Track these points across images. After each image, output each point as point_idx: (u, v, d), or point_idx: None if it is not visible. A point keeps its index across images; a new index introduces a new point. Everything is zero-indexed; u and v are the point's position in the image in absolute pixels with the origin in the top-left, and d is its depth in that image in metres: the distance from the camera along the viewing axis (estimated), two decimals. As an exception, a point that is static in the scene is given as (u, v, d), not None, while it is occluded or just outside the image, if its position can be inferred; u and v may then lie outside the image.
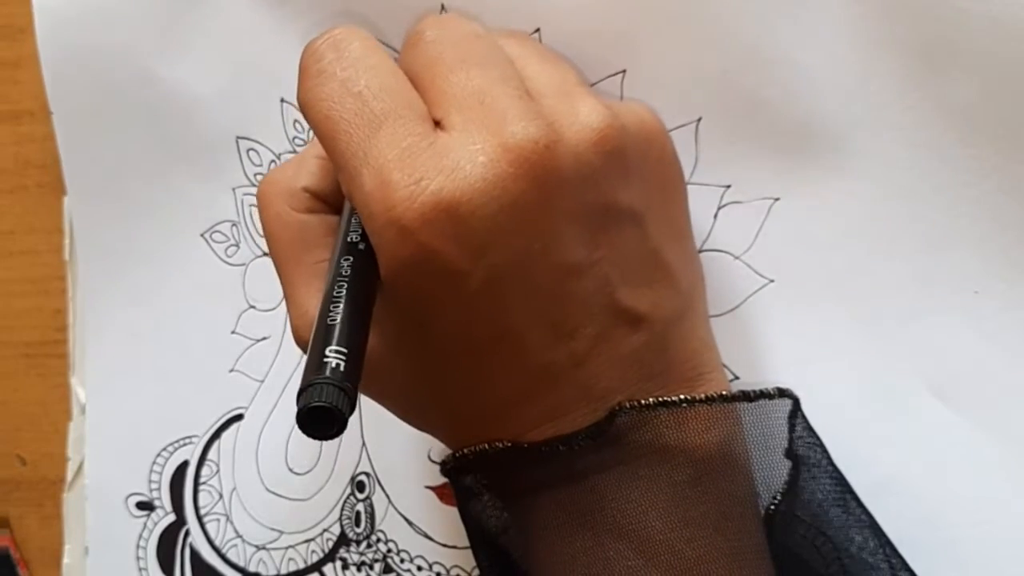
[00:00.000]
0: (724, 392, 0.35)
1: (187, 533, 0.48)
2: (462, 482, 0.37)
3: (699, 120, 0.39)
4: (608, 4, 0.38)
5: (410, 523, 0.46)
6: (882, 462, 0.39)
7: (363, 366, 0.30)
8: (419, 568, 0.46)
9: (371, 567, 0.46)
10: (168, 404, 0.48)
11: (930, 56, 0.37)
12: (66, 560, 0.50)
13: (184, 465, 0.48)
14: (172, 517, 0.49)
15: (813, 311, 0.39)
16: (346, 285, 0.32)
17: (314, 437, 0.29)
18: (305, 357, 0.30)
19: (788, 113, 0.38)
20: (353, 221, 0.34)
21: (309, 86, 0.33)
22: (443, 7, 0.40)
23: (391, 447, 0.46)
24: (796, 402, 0.36)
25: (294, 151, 0.45)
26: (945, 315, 0.38)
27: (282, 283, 0.36)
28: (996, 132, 0.36)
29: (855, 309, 0.39)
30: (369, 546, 0.46)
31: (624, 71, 0.39)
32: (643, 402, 0.34)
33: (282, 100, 0.44)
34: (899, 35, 0.37)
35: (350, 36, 0.34)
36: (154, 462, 0.48)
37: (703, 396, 0.34)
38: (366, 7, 0.41)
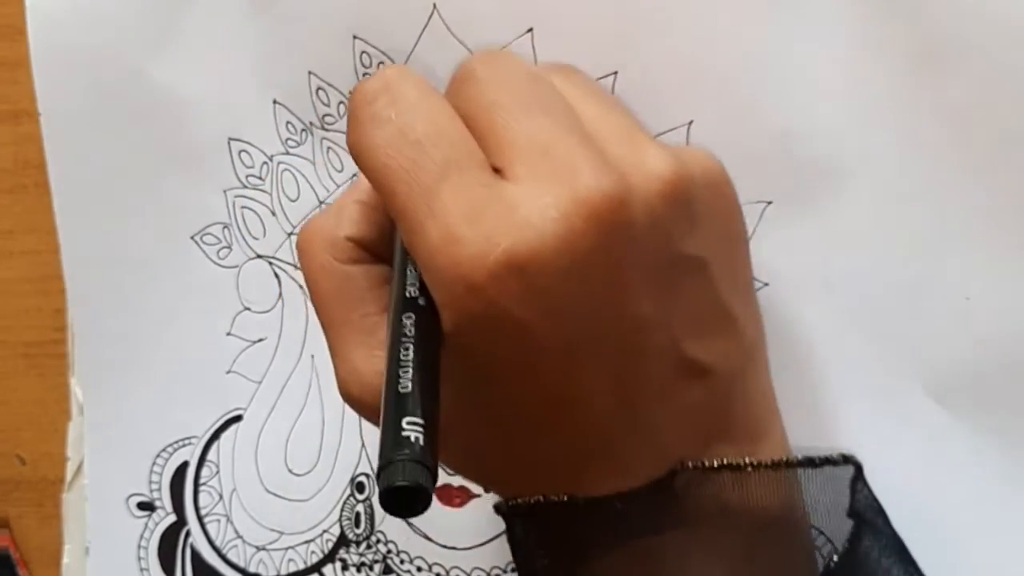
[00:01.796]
0: (789, 458, 0.34)
1: (188, 534, 0.48)
2: (515, 527, 0.36)
3: (690, 123, 0.39)
4: (600, 5, 0.38)
5: (410, 524, 0.46)
6: (881, 464, 0.38)
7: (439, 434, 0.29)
8: (419, 569, 0.46)
9: (371, 568, 0.46)
10: (166, 406, 0.48)
11: (925, 58, 0.36)
12: (66, 560, 0.50)
13: (184, 466, 0.48)
14: (173, 518, 0.49)
15: (807, 315, 0.39)
16: (412, 346, 0.30)
17: (399, 515, 0.28)
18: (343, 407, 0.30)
19: (781, 116, 0.38)
20: (410, 274, 0.32)
21: (362, 132, 0.32)
22: (435, 8, 0.40)
23: (391, 448, 0.46)
24: (859, 468, 0.36)
25: (287, 152, 0.44)
26: (939, 319, 0.38)
27: (328, 336, 0.35)
28: (991, 136, 0.36)
29: (850, 312, 0.39)
30: (369, 547, 0.46)
31: (616, 73, 0.39)
32: (707, 464, 0.33)
33: (275, 101, 0.44)
34: (894, 36, 0.36)
35: (403, 78, 0.33)
36: (154, 463, 0.48)
37: (769, 461, 0.34)
38: (361, 10, 0.41)
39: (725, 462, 0.33)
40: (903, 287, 0.38)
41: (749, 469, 0.33)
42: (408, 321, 0.31)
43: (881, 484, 0.38)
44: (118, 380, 0.48)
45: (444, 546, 0.45)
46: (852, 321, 0.39)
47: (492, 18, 0.39)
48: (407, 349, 0.30)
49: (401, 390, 0.29)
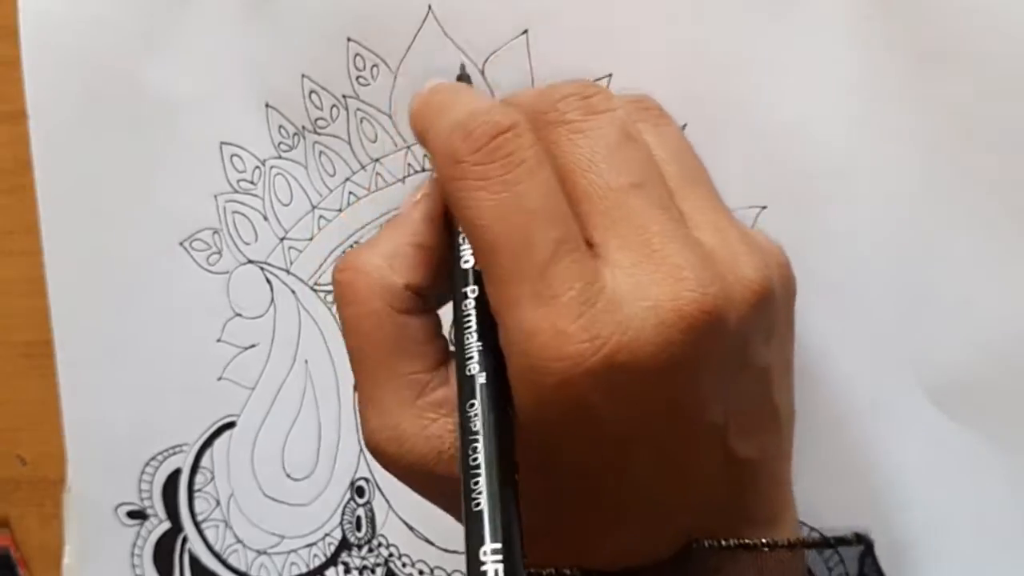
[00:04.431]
0: (804, 538, 0.34)
1: (185, 540, 0.48)
2: None
3: (683, 127, 0.38)
4: (596, 7, 0.38)
5: (411, 528, 0.46)
6: (882, 468, 0.39)
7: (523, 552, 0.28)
8: (421, 573, 0.46)
9: (373, 571, 0.46)
10: (154, 414, 0.47)
11: (925, 58, 0.36)
12: (66, 560, 0.50)
13: (176, 473, 0.48)
14: (167, 525, 0.48)
15: (806, 319, 0.38)
16: (480, 445, 0.29)
17: None
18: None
19: (776, 118, 0.38)
20: (468, 343, 0.31)
21: (470, 187, 0.30)
22: (430, 9, 0.39)
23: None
24: (869, 546, 0.36)
25: (279, 157, 0.44)
26: (939, 322, 0.38)
27: (363, 384, 0.33)
28: (992, 137, 0.36)
29: (850, 316, 0.39)
30: (371, 550, 0.46)
31: (611, 75, 0.39)
32: (723, 543, 0.33)
33: (267, 105, 0.43)
34: (894, 36, 0.36)
35: (519, 133, 0.31)
36: (143, 471, 0.48)
37: (785, 542, 0.33)
38: (354, 11, 0.41)
39: (742, 541, 0.33)
40: (902, 290, 0.38)
41: (765, 550, 0.33)
42: (472, 411, 0.30)
43: (880, 487, 0.38)
44: (104, 388, 0.48)
45: (446, 550, 0.45)
46: (852, 323, 0.39)
47: (488, 20, 0.39)
48: (475, 451, 0.29)
49: (475, 508, 0.28)
